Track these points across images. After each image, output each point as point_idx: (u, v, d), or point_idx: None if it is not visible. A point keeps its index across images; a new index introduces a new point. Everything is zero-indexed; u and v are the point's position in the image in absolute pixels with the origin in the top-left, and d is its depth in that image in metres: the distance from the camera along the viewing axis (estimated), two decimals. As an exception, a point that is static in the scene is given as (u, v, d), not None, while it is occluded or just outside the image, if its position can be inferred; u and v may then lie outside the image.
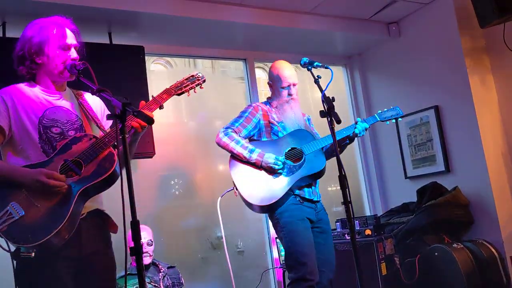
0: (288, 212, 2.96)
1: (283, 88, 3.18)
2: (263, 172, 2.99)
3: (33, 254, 1.84)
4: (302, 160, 3.01)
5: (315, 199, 3.08)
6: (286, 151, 3.04)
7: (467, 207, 4.29)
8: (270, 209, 3.00)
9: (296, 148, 3.04)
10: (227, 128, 3.09)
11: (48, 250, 1.89)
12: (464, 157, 4.41)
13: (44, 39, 2.09)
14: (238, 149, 3.01)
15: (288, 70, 3.21)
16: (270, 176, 2.98)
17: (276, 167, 2.95)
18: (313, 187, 3.09)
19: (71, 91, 2.25)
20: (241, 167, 3.05)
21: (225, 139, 3.03)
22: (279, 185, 2.96)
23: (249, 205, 3.02)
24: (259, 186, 2.98)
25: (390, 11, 4.71)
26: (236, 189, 3.04)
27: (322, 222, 3.09)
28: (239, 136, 3.07)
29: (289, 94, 3.19)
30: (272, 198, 2.93)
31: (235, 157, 3.05)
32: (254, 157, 2.98)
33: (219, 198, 3.42)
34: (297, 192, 3.00)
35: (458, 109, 4.43)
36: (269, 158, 2.96)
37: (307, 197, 3.03)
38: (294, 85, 3.20)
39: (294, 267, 2.86)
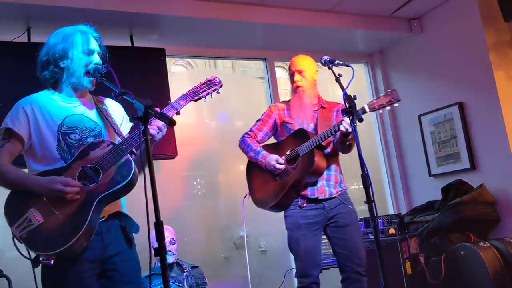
0: (288, 218, 3.08)
1: (290, 77, 3.16)
2: (268, 173, 3.09)
3: (52, 262, 1.87)
4: (297, 162, 3.00)
5: (322, 197, 3.00)
6: (288, 152, 3.06)
7: (494, 205, 4.20)
8: (278, 209, 3.11)
9: (294, 149, 3.04)
10: (245, 133, 3.23)
11: (68, 257, 1.93)
12: (490, 153, 4.33)
13: (68, 44, 2.13)
14: (249, 153, 3.15)
15: (295, 58, 3.18)
16: (272, 179, 3.08)
17: (278, 166, 3.00)
18: (319, 185, 3.00)
19: (91, 97, 2.27)
20: (252, 171, 3.21)
21: (241, 144, 3.20)
22: (276, 188, 3.05)
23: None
24: (262, 188, 3.13)
25: (412, 7, 4.65)
26: (249, 191, 3.24)
27: (338, 216, 3.00)
28: (256, 139, 3.19)
29: (293, 82, 3.14)
30: (270, 202, 3.07)
31: (250, 161, 3.20)
32: (259, 158, 3.09)
33: (243, 198, 3.52)
34: (301, 193, 3.02)
35: (483, 105, 4.34)
36: (271, 160, 3.03)
37: (310, 197, 3.00)
38: (299, 72, 3.11)
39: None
